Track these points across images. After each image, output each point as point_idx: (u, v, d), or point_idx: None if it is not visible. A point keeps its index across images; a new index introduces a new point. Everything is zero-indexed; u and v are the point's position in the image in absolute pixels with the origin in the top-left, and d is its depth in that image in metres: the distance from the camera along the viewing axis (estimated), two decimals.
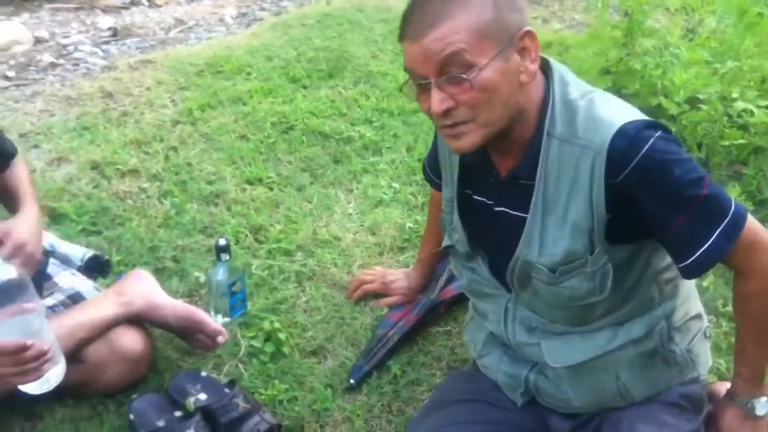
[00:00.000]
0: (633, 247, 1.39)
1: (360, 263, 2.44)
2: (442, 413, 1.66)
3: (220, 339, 2.01)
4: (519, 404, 1.63)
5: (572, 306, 1.44)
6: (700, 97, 2.82)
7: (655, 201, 1.29)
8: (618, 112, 1.32)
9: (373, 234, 2.59)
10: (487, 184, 1.46)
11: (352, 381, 1.99)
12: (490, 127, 1.31)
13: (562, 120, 1.33)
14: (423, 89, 1.30)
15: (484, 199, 1.48)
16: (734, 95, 2.81)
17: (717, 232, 1.31)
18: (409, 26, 1.27)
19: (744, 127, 2.82)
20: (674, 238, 1.33)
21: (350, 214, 2.69)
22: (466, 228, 1.55)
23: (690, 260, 1.33)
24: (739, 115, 2.83)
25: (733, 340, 2.02)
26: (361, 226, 2.63)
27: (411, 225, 2.60)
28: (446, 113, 1.28)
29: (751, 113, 2.77)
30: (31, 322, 1.57)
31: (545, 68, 1.38)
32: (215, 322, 2.03)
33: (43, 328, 1.61)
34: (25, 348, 1.55)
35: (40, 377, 1.61)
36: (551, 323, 1.50)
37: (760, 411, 1.51)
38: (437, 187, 1.72)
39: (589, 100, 1.34)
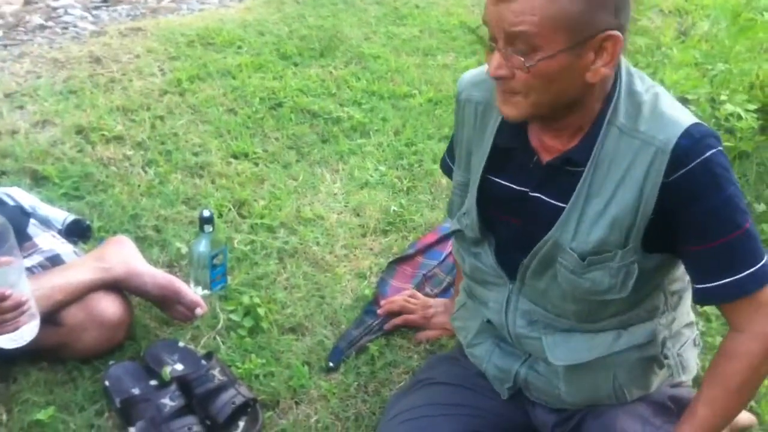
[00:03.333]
0: (661, 257, 1.38)
1: (343, 243, 2.44)
2: (425, 392, 1.65)
3: (198, 311, 2.00)
4: (504, 397, 1.62)
5: (587, 300, 1.41)
6: (689, 98, 2.84)
7: (699, 212, 1.28)
8: (684, 113, 1.31)
9: (357, 215, 2.58)
10: (523, 171, 1.42)
11: (331, 364, 1.98)
12: (539, 108, 1.30)
13: (625, 111, 1.31)
14: (490, 48, 1.28)
15: (514, 185, 1.44)
16: (723, 98, 2.82)
17: (747, 272, 1.30)
18: None
19: (730, 131, 2.84)
20: (703, 258, 1.32)
21: (335, 194, 2.68)
22: (481, 213, 1.51)
23: (710, 285, 1.32)
24: (726, 119, 2.84)
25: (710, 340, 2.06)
26: (346, 206, 2.62)
27: (396, 208, 2.60)
28: (501, 79, 1.28)
29: (739, 117, 2.79)
30: (8, 274, 1.56)
31: None
32: (194, 293, 2.02)
33: (20, 282, 1.59)
34: (3, 297, 1.53)
35: (16, 329, 1.59)
36: (555, 317, 1.47)
37: None
38: (450, 175, 1.67)
39: (654, 94, 1.33)
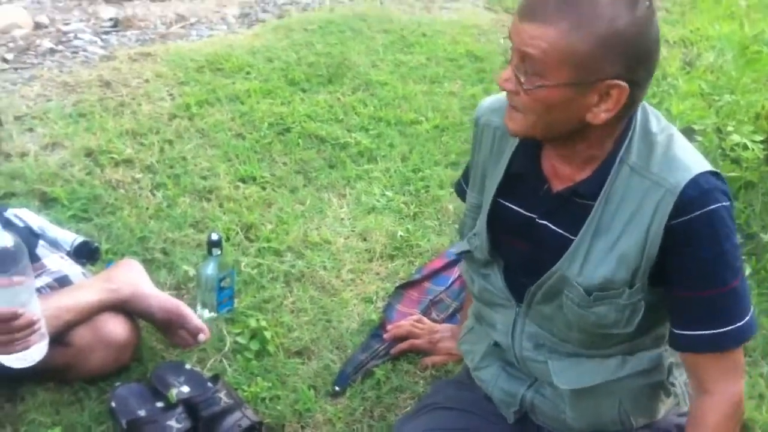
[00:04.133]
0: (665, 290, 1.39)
1: (349, 267, 2.44)
2: (431, 417, 1.65)
3: (201, 337, 2.00)
4: (510, 421, 1.61)
5: (592, 331, 1.42)
6: (696, 128, 2.86)
7: (690, 260, 1.30)
8: (696, 159, 1.32)
9: (364, 240, 2.59)
10: (533, 197, 1.43)
11: (337, 388, 1.98)
12: (536, 130, 1.31)
13: (638, 150, 1.32)
14: (507, 60, 1.31)
15: (524, 211, 1.46)
16: (729, 128, 2.84)
17: (724, 329, 1.32)
18: (526, 4, 1.25)
19: (736, 161, 2.85)
20: (686, 304, 1.34)
21: (342, 219, 2.69)
22: (490, 235, 1.52)
23: (684, 333, 1.34)
24: (732, 149, 2.86)
25: None
26: (353, 231, 2.63)
27: (402, 233, 2.61)
28: (507, 92, 1.30)
29: (745, 147, 2.81)
30: (20, 293, 1.57)
31: None
32: (199, 319, 2.02)
33: (31, 302, 1.60)
34: (15, 316, 1.54)
35: (26, 349, 1.60)
36: (561, 342, 1.48)
37: None
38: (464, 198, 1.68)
39: (668, 136, 1.34)
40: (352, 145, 3.12)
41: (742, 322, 1.32)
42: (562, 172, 1.40)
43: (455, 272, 2.36)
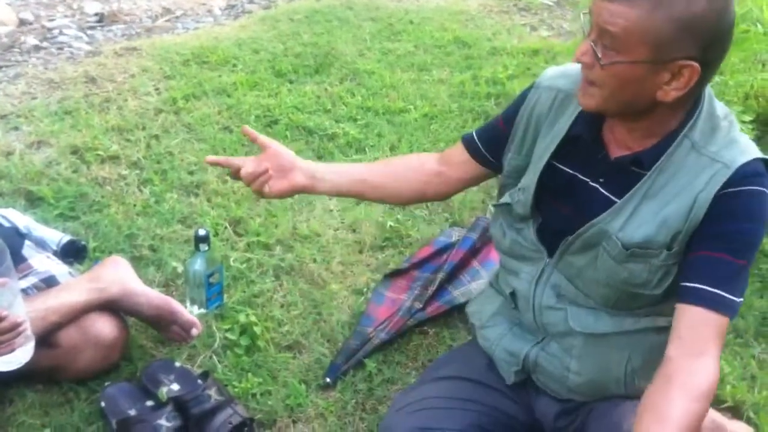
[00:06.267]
0: None
1: (339, 260, 2.43)
2: (434, 385, 1.67)
3: (194, 331, 1.99)
4: (510, 381, 1.64)
5: (620, 288, 1.45)
6: None
7: (728, 226, 1.34)
8: (754, 147, 1.39)
9: (354, 231, 2.58)
10: (590, 161, 1.48)
11: (328, 380, 1.98)
12: (609, 105, 1.36)
13: (702, 130, 1.37)
14: (585, 34, 1.35)
15: (579, 174, 1.50)
16: None
17: (725, 295, 1.34)
18: None
19: None
20: (702, 261, 1.36)
21: (331, 211, 2.68)
22: (536, 193, 1.54)
23: (693, 285, 1.35)
24: None
25: None
26: (342, 223, 2.62)
27: (392, 224, 2.59)
28: (583, 64, 1.35)
29: None
30: (3, 295, 1.55)
31: None
32: (190, 313, 2.01)
33: (16, 303, 1.59)
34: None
35: (11, 351, 1.59)
36: (584, 297, 1.51)
37: None
38: (475, 154, 1.66)
39: (730, 122, 1.40)
40: (340, 135, 3.10)
41: (737, 300, 1.35)
42: (622, 141, 1.44)
43: (443, 260, 2.36)
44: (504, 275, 1.67)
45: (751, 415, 2.01)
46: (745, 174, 1.33)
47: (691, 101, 1.38)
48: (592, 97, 1.36)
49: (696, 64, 1.27)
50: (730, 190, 1.33)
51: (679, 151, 1.38)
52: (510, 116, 1.60)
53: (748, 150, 1.36)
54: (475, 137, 1.69)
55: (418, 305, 2.21)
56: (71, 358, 1.84)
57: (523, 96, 1.60)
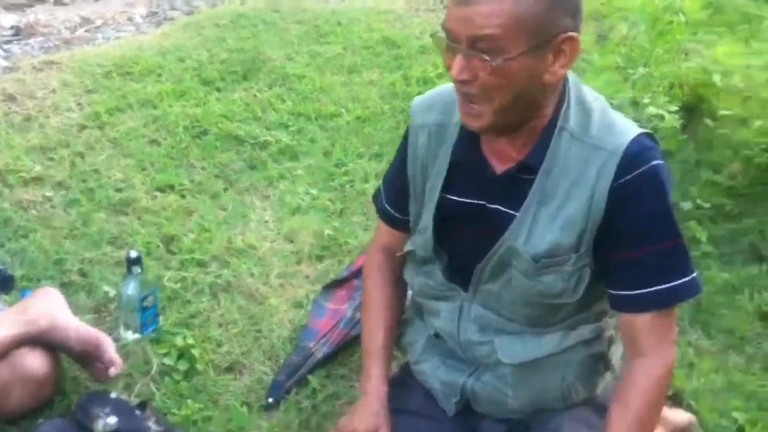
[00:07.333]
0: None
1: (277, 272, 2.39)
2: None
3: (112, 371, 1.92)
4: (451, 413, 1.60)
5: (539, 303, 1.44)
6: (613, 102, 2.87)
7: (642, 215, 1.33)
8: (632, 124, 1.39)
9: (291, 242, 2.54)
10: (480, 183, 1.44)
11: (270, 400, 1.94)
12: (502, 113, 1.32)
13: (575, 117, 1.37)
14: (451, 50, 1.30)
15: (472, 200, 1.46)
16: (645, 101, 2.87)
17: (672, 284, 1.35)
18: None
19: (654, 132, 2.87)
20: (631, 264, 1.36)
21: (266, 222, 2.63)
22: (436, 231, 1.51)
23: (628, 293, 1.36)
24: (649, 120, 2.88)
25: None
26: (278, 234, 2.58)
27: (329, 232, 2.56)
28: (463, 82, 1.30)
29: (661, 117, 2.84)
30: None
31: None
32: (125, 339, 1.95)
33: None
34: None
35: None
36: (507, 321, 1.49)
37: None
38: (398, 224, 1.65)
39: (601, 104, 1.39)
40: (272, 143, 3.06)
41: (689, 278, 1.36)
42: (505, 153, 1.41)
43: None
44: (426, 316, 1.64)
45: (691, 402, 2.03)
46: (634, 155, 1.32)
47: (561, 84, 1.37)
48: (481, 115, 1.33)
49: (575, 34, 1.27)
50: (625, 179, 1.32)
51: (560, 145, 1.36)
52: (402, 167, 1.58)
53: (627, 129, 1.35)
54: (387, 206, 1.67)
55: (360, 315, 2.18)
56: (1, 397, 1.76)
57: (405, 144, 1.57)
